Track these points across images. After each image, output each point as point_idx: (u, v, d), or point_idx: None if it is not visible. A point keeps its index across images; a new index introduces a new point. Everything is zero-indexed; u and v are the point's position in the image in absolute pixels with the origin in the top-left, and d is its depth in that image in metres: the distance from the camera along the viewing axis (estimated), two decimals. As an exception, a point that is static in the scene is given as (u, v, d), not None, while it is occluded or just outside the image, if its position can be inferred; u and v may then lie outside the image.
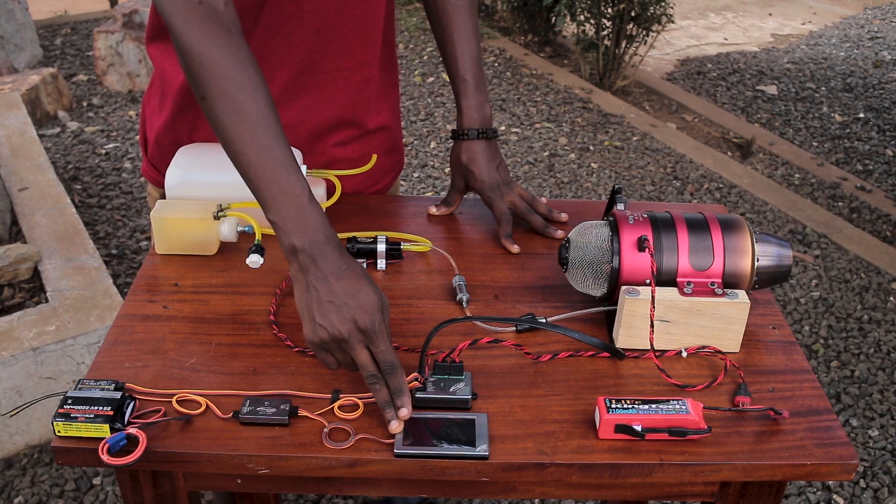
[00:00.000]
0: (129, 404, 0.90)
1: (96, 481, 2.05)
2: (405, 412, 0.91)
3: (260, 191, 0.95)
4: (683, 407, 0.92)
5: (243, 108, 0.95)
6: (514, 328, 1.08)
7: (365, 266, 1.20)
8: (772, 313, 1.14)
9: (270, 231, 1.18)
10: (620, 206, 1.12)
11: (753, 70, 4.83)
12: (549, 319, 1.09)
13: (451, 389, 0.96)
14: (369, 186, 1.41)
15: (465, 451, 0.89)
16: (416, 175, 3.51)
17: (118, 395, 0.90)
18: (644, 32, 4.20)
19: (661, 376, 1.01)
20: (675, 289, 1.03)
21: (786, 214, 3.31)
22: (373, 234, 1.21)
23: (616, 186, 1.15)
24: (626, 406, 0.92)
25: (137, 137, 3.68)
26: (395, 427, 0.91)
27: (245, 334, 1.06)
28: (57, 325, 2.06)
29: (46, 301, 2.17)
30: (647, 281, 1.03)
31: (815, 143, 3.99)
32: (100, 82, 4.21)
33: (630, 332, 1.04)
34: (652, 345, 1.03)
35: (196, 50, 0.95)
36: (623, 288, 1.03)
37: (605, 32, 4.25)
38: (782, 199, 3.43)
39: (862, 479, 2.17)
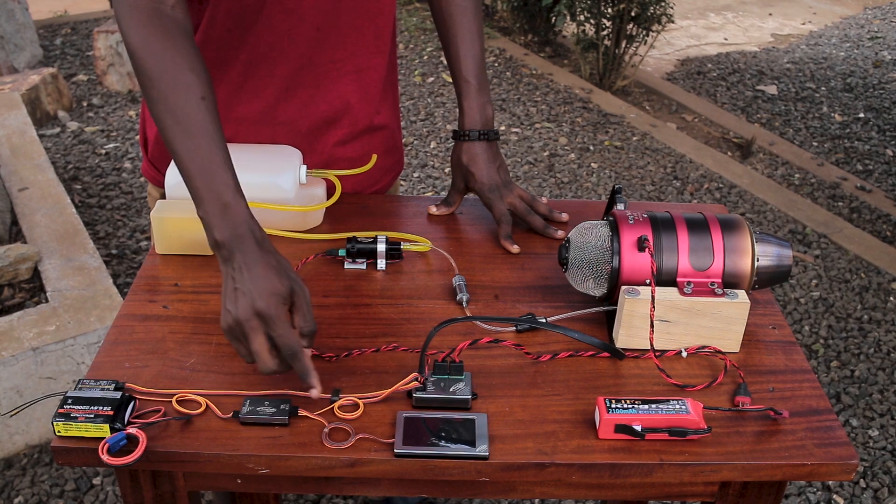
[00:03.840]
0: (129, 404, 0.90)
1: (96, 481, 2.05)
2: (316, 392, 0.93)
3: (192, 188, 0.99)
4: (683, 407, 0.92)
5: (176, 110, 0.99)
6: (514, 328, 1.08)
7: (365, 266, 1.20)
8: (772, 313, 1.14)
9: (270, 231, 1.18)
10: (620, 206, 1.12)
11: (753, 70, 4.83)
12: (549, 319, 1.09)
13: (451, 389, 0.95)
14: (369, 186, 1.41)
15: (465, 451, 0.89)
16: (416, 175, 3.51)
17: (118, 395, 0.90)
18: (644, 32, 4.20)
19: (661, 376, 1.01)
20: (675, 289, 1.03)
21: (786, 214, 3.31)
22: (373, 234, 1.21)
23: (616, 186, 1.15)
24: (626, 406, 0.92)
25: (137, 137, 3.68)
26: (315, 394, 0.93)
27: (245, 334, 1.06)
28: (57, 325, 2.06)
29: (46, 301, 2.17)
30: (647, 281, 1.03)
31: (815, 143, 3.99)
32: (100, 82, 4.22)
33: (630, 332, 1.04)
34: (652, 345, 1.03)
35: (136, 53, 1.01)
36: (623, 288, 1.03)
37: (605, 32, 4.25)
38: (782, 199, 3.43)
39: (862, 479, 2.17)
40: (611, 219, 1.08)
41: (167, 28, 1.01)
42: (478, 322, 1.09)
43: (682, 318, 1.03)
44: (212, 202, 0.97)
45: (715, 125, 4.12)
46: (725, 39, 5.39)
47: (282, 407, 0.92)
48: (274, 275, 0.94)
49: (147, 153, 1.38)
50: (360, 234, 1.21)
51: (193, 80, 1.00)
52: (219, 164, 0.98)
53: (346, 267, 1.19)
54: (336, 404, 0.94)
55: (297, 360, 0.93)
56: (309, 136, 1.30)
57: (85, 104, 4.03)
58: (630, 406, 0.92)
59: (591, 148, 3.77)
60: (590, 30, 4.32)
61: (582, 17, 4.29)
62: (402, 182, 3.43)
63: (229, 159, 0.99)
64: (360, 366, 1.01)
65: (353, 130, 1.33)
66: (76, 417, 0.87)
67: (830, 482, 2.15)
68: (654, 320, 1.02)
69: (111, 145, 3.65)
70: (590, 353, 1.05)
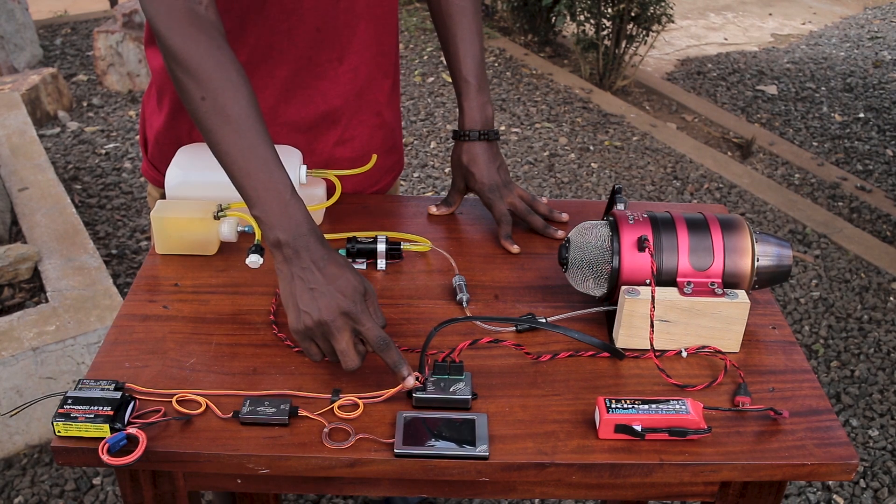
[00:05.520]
0: (129, 404, 0.90)
1: (96, 481, 2.05)
2: (411, 381, 0.94)
3: (244, 188, 0.98)
4: (683, 407, 0.92)
5: (225, 109, 0.98)
6: (514, 328, 1.08)
7: (365, 266, 1.20)
8: (772, 313, 1.14)
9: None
10: (620, 206, 1.12)
11: (753, 70, 4.83)
12: (549, 319, 1.09)
13: (451, 389, 0.96)
14: (369, 186, 1.41)
15: (465, 451, 0.89)
16: (416, 175, 3.51)
17: (118, 395, 0.90)
18: (644, 32, 4.20)
19: (661, 376, 1.01)
20: (675, 289, 1.03)
21: (786, 214, 3.31)
22: (373, 234, 1.21)
23: (616, 186, 1.15)
24: (626, 406, 0.92)
25: (137, 137, 3.68)
26: (410, 382, 0.94)
27: (245, 334, 1.06)
28: (57, 325, 2.06)
29: (46, 301, 2.17)
30: (647, 281, 1.03)
31: (815, 143, 3.99)
32: (100, 82, 4.22)
33: (630, 332, 1.04)
34: (652, 345, 1.03)
35: (179, 54, 0.99)
36: (623, 288, 1.03)
37: (605, 32, 4.25)
38: (782, 199, 3.43)
39: (862, 479, 2.17)
40: (611, 219, 1.08)
41: (206, 28, 1.00)
42: (478, 322, 1.09)
43: (682, 318, 1.03)
44: (271, 201, 0.96)
45: (715, 125, 4.12)
46: (725, 39, 5.39)
47: (282, 407, 0.92)
48: (349, 272, 0.96)
49: (147, 153, 1.38)
50: (360, 234, 1.21)
51: (239, 79, 0.99)
52: (274, 162, 0.98)
53: (346, 267, 1.19)
54: (336, 404, 0.94)
55: (390, 351, 0.94)
56: (309, 136, 1.30)
57: (85, 104, 4.03)
58: (630, 406, 0.92)
59: (591, 148, 3.77)
60: (590, 30, 4.32)
61: (582, 17, 4.29)
62: (402, 182, 3.43)
63: (279, 158, 0.99)
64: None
65: (352, 130, 1.33)
66: (76, 417, 0.87)
67: (830, 482, 2.15)
68: (654, 320, 1.02)
69: (111, 145, 3.65)
70: (590, 353, 1.05)
